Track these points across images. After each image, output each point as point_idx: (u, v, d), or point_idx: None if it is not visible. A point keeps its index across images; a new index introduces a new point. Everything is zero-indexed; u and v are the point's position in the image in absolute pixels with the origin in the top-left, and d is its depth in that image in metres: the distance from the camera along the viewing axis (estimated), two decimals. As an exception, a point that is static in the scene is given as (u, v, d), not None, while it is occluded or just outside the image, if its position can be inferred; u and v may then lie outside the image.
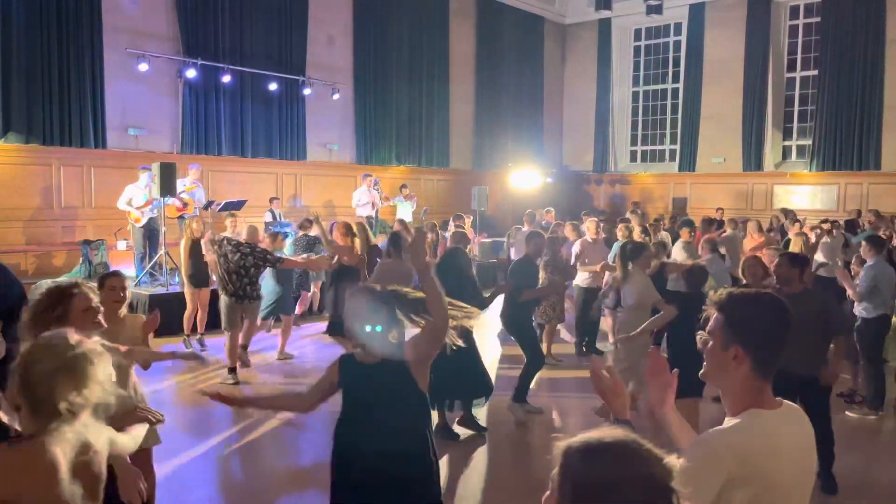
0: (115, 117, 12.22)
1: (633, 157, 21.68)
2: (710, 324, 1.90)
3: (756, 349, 1.82)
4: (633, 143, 21.64)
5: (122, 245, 11.46)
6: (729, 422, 1.82)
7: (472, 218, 13.35)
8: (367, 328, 2.79)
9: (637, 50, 21.30)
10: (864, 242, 7.03)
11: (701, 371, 1.92)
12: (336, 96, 15.29)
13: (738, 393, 1.84)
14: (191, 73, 12.78)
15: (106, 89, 11.96)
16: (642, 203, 19.69)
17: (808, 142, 18.11)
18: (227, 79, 13.30)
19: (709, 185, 19.26)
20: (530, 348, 6.51)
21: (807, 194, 17.91)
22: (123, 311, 3.86)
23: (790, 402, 1.91)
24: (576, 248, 8.94)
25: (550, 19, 21.27)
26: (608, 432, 1.26)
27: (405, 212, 14.79)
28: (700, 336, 1.95)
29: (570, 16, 21.66)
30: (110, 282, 3.81)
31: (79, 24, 11.49)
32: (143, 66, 12.23)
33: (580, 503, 1.20)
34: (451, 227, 11.28)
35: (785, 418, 1.84)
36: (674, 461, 1.24)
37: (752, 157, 18.55)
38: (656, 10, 17.35)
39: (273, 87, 14.12)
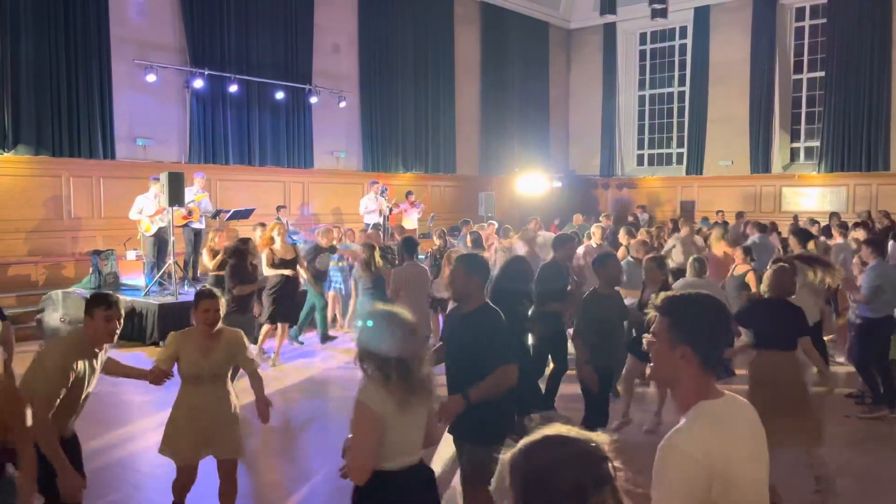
0: (124, 128, 12.30)
1: (640, 161, 21.64)
2: (654, 326, 2.00)
3: (702, 347, 1.92)
4: (640, 146, 21.61)
5: (131, 255, 11.51)
6: (683, 419, 1.91)
7: (495, 225, 12.94)
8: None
9: (643, 54, 21.29)
10: (864, 245, 7.10)
11: (649, 373, 2.01)
12: (342, 104, 15.33)
13: (688, 389, 1.94)
14: (198, 83, 12.85)
15: (114, 100, 12.04)
16: (649, 207, 19.67)
17: (816, 143, 18.04)
18: (233, 88, 13.37)
19: (716, 188, 19.20)
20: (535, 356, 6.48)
21: (815, 196, 17.83)
22: (219, 325, 4.11)
23: (732, 393, 2.01)
24: (580, 252, 8.94)
25: (555, 24, 21.29)
26: (543, 431, 1.45)
27: (411, 219, 14.81)
28: (646, 338, 2.04)
29: (574, 21, 21.68)
30: (204, 304, 4.07)
31: (87, 36, 11.59)
32: (151, 77, 12.32)
33: (531, 494, 1.39)
34: (464, 233, 11.26)
35: (731, 405, 1.95)
36: (603, 437, 1.46)
37: (760, 160, 18.49)
38: (661, 13, 17.33)
39: (280, 95, 14.19)
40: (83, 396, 3.72)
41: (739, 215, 15.58)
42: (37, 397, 3.35)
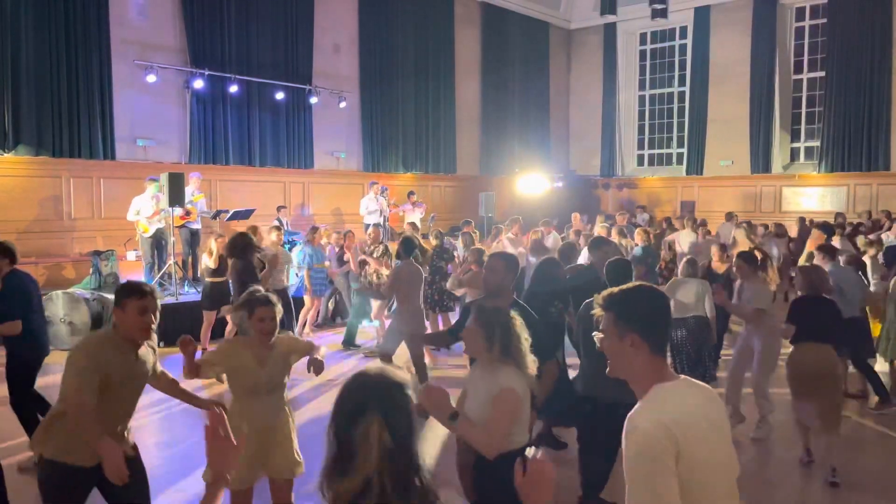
0: (124, 128, 12.30)
1: (641, 161, 21.65)
2: (602, 324, 2.09)
3: (648, 331, 2.02)
4: (640, 146, 21.63)
5: (131, 255, 11.51)
6: (639, 403, 1.99)
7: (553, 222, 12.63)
8: None
9: (643, 54, 21.31)
10: (815, 252, 7.22)
11: (607, 370, 2.09)
12: (342, 104, 15.33)
13: (642, 375, 2.02)
14: (198, 84, 12.85)
15: (114, 101, 12.04)
16: (650, 207, 19.67)
17: (816, 143, 18.06)
18: (234, 88, 13.37)
19: (717, 188, 19.21)
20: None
21: (816, 196, 17.84)
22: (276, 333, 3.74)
23: (686, 377, 2.10)
24: (585, 256, 8.91)
25: (556, 25, 21.30)
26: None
27: (414, 219, 14.78)
28: (595, 336, 2.11)
29: (575, 21, 21.69)
30: (260, 312, 3.63)
31: (87, 37, 11.59)
32: (151, 78, 12.31)
33: (332, 416, 1.73)
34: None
35: (685, 386, 2.04)
36: (398, 371, 1.76)
37: (760, 160, 18.51)
38: (661, 13, 17.34)
39: (280, 96, 14.19)
40: (128, 401, 3.35)
41: (729, 217, 15.53)
42: (69, 394, 3.10)
